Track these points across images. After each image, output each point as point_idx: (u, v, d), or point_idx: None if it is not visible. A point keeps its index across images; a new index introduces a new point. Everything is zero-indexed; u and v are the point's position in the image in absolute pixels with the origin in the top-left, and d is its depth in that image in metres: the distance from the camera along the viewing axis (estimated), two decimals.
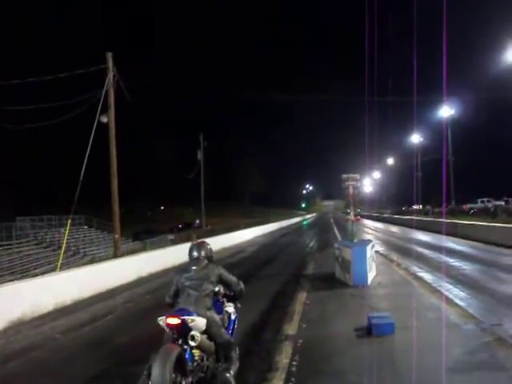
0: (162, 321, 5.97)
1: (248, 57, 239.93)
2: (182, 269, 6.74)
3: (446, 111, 58.17)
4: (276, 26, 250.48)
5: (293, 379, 6.84)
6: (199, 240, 7.72)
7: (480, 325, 9.17)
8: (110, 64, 24.01)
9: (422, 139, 75.73)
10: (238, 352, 6.41)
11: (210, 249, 7.01)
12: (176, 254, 24.57)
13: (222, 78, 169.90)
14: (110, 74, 23.87)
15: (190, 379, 5.77)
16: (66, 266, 28.07)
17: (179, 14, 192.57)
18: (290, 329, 9.81)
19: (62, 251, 23.48)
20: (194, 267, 6.58)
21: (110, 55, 24.11)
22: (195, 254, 6.81)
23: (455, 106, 59.22)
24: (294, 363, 7.52)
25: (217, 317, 6.40)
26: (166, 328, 6.02)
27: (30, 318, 12.76)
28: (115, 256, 23.80)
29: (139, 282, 19.38)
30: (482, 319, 9.62)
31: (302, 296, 13.34)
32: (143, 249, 28.87)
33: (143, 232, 53.97)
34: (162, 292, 15.74)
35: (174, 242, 36.34)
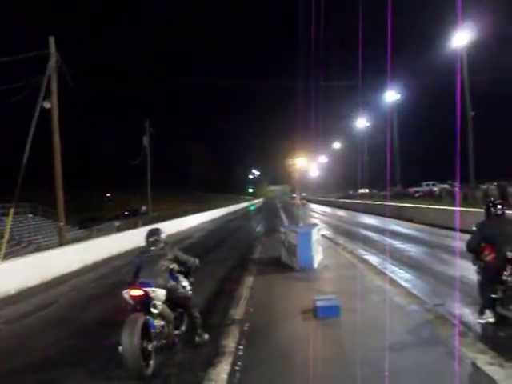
0: (126, 293, 6.80)
1: (191, 42, 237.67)
2: (141, 251, 7.69)
3: (392, 96, 58.91)
4: (211, 11, 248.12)
5: (239, 363, 6.82)
6: (154, 226, 8.63)
7: (423, 305, 9.27)
8: (53, 49, 23.46)
9: (368, 124, 76.49)
10: (197, 309, 7.78)
11: (164, 234, 7.94)
12: (122, 241, 24.52)
13: (168, 64, 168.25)
14: (53, 59, 23.33)
15: (154, 343, 6.71)
16: (10, 255, 27.27)
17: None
18: (237, 313, 9.79)
19: (6, 240, 22.83)
20: (152, 248, 7.59)
21: (52, 40, 23.57)
22: (152, 238, 7.73)
23: (401, 91, 60.03)
24: (240, 347, 7.52)
25: (174, 282, 7.45)
26: (129, 300, 6.80)
27: None
28: (60, 244, 23.38)
29: (84, 270, 19.12)
30: (425, 300, 9.73)
31: (248, 281, 13.31)
32: (89, 236, 28.39)
33: (89, 219, 52.92)
34: (107, 280, 15.90)
35: (120, 229, 35.79)
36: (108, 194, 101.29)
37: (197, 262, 8.19)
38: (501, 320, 7.62)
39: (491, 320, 7.63)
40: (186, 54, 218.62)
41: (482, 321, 7.73)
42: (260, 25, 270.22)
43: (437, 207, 30.94)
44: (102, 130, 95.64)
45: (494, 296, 7.56)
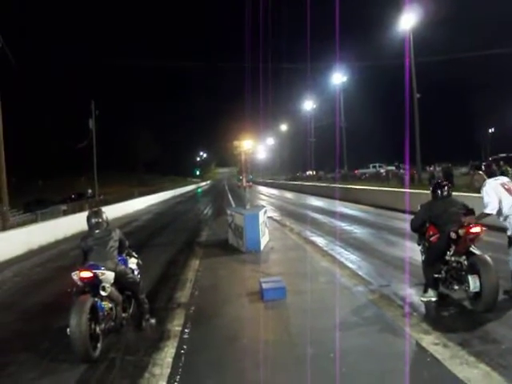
0: (75, 275, 6.74)
1: (140, 23, 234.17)
2: (85, 236, 7.50)
3: (339, 78, 59.32)
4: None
5: (185, 347, 6.80)
6: (95, 208, 8.61)
7: (369, 286, 9.33)
8: None
9: (314, 106, 77.01)
10: (144, 293, 7.85)
11: (106, 216, 7.78)
12: (68, 225, 24.26)
13: (116, 47, 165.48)
14: None
15: (102, 325, 6.71)
16: None
17: None
18: (183, 296, 9.75)
19: None
20: (96, 231, 7.45)
21: None
22: (94, 220, 7.56)
23: (348, 74, 60.58)
24: (186, 330, 7.52)
25: (123, 266, 7.50)
26: (78, 281, 6.76)
27: None
28: (3, 229, 22.81)
29: (29, 254, 18.68)
30: (371, 281, 9.79)
31: (194, 263, 13.24)
32: (34, 220, 27.73)
33: (34, 202, 51.59)
34: (53, 264, 15.53)
35: (67, 213, 35.08)
36: (40, 181, 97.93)
37: (127, 243, 8.10)
38: (443, 299, 7.88)
39: (433, 299, 7.85)
40: (132, 36, 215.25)
41: (425, 299, 7.92)
42: (208, 4, 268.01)
43: (383, 189, 31.40)
44: (48, 112, 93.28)
45: (437, 276, 7.78)
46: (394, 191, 27.90)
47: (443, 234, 7.69)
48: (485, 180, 7.91)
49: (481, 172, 8.42)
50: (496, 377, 5.13)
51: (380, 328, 6.95)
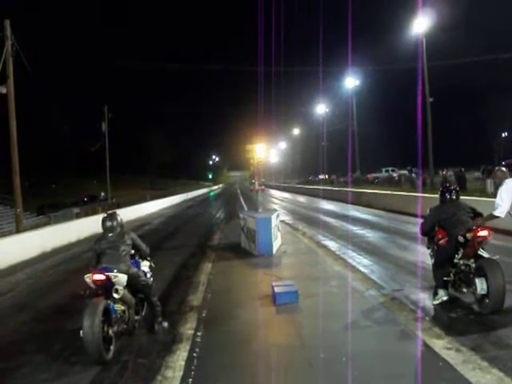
0: (88, 278, 6.79)
1: (152, 28, 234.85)
2: (98, 238, 7.59)
3: (351, 82, 59.17)
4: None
5: (197, 350, 6.78)
6: (110, 211, 8.43)
7: (381, 290, 9.32)
8: (8, 32, 23.00)
9: (327, 110, 76.82)
10: (156, 296, 7.82)
11: (121, 219, 7.84)
12: (81, 228, 24.31)
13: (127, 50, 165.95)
14: (8, 43, 22.87)
15: (115, 328, 6.74)
16: None
17: None
18: (195, 300, 9.75)
19: None
20: (110, 234, 7.48)
21: (7, 23, 23.07)
22: (109, 223, 7.57)
23: (360, 78, 60.41)
24: (198, 334, 7.50)
25: (136, 269, 7.52)
26: (91, 284, 6.82)
27: None
28: (18, 231, 22.95)
29: (42, 257, 18.76)
30: (383, 285, 9.77)
31: (207, 267, 13.27)
32: (48, 223, 27.94)
33: (48, 206, 51.86)
34: (66, 267, 15.63)
35: (79, 216, 35.30)
36: (53, 185, 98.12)
37: (147, 250, 8.15)
38: (453, 301, 7.89)
39: (445, 298, 7.85)
40: (144, 40, 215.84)
41: (436, 302, 7.92)
42: (220, 9, 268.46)
43: (396, 193, 31.29)
44: (61, 116, 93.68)
45: (446, 279, 7.84)
46: (407, 195, 27.80)
47: (452, 237, 7.72)
48: (506, 178, 7.82)
49: (504, 169, 8.31)
50: (510, 382, 5.09)
51: (392, 332, 6.95)
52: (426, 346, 6.23)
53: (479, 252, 7.48)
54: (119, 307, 6.99)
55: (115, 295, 6.85)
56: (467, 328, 6.85)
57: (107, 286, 6.82)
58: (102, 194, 65.34)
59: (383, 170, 70.48)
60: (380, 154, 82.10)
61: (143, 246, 8.01)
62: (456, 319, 7.31)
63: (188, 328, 7.81)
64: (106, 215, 7.88)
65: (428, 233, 8.56)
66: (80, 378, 6.15)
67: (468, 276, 7.50)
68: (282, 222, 19.48)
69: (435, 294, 7.99)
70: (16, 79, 23.19)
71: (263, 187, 72.07)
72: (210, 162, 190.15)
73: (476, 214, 7.98)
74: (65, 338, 7.70)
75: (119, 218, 7.79)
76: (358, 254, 13.56)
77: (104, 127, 51.87)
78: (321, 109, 76.64)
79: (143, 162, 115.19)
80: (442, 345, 6.19)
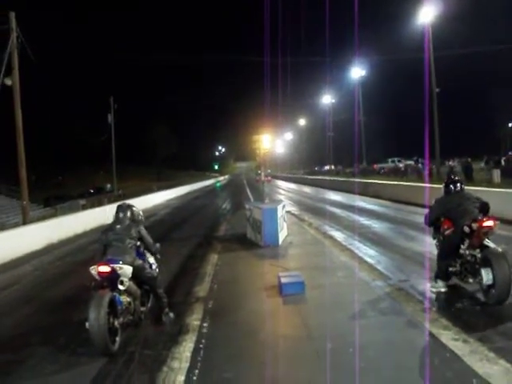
0: (93, 269, 6.83)
1: (155, 19, 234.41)
2: (106, 229, 7.58)
3: (357, 72, 58.93)
4: None
5: (203, 341, 6.80)
6: (126, 202, 8.43)
7: (388, 281, 9.29)
8: (14, 24, 23.01)
9: (333, 100, 76.58)
10: (162, 288, 7.86)
11: (138, 212, 8.05)
12: (87, 219, 24.38)
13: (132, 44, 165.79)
14: (13, 35, 22.92)
15: (121, 319, 6.78)
16: None
17: None
18: (202, 290, 9.77)
19: None
20: (118, 226, 7.51)
21: (12, 15, 23.08)
22: (121, 214, 7.69)
23: (366, 68, 60.19)
24: (204, 325, 7.51)
25: (141, 261, 7.46)
26: (97, 276, 6.84)
27: None
28: (24, 223, 23.06)
29: (49, 248, 18.81)
30: (390, 275, 9.73)
31: (213, 258, 13.28)
32: (54, 215, 28.02)
33: (54, 197, 52.10)
34: (73, 258, 15.66)
35: (86, 207, 35.38)
36: (60, 177, 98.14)
37: (157, 245, 8.08)
38: (459, 292, 7.99)
39: (442, 289, 8.06)
40: (147, 31, 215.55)
41: (434, 289, 8.13)
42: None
43: (402, 183, 31.21)
44: (67, 108, 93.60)
45: (451, 269, 7.92)
46: (413, 185, 27.73)
47: (457, 227, 7.75)
48: None
49: None
50: None
51: (399, 323, 6.93)
52: (433, 336, 6.21)
53: (485, 242, 7.47)
54: (125, 299, 6.99)
55: (120, 287, 6.86)
56: (474, 319, 6.84)
57: (113, 278, 6.83)
58: (108, 185, 65.63)
59: (389, 160, 70.37)
60: (386, 144, 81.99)
61: (151, 242, 7.90)
62: (463, 310, 7.29)
63: (194, 319, 7.82)
64: (121, 204, 8.00)
65: (433, 223, 8.61)
66: (86, 370, 6.16)
67: (474, 266, 7.50)
68: (287, 212, 19.44)
69: (435, 281, 8.20)
70: (21, 72, 23.23)
71: (269, 178, 72.07)
72: (216, 153, 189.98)
73: (482, 204, 7.96)
74: (71, 329, 7.71)
75: (133, 212, 7.86)
76: (364, 245, 13.53)
77: (110, 118, 52.06)
78: (327, 99, 76.37)
79: (149, 153, 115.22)
80: (449, 336, 6.17)
